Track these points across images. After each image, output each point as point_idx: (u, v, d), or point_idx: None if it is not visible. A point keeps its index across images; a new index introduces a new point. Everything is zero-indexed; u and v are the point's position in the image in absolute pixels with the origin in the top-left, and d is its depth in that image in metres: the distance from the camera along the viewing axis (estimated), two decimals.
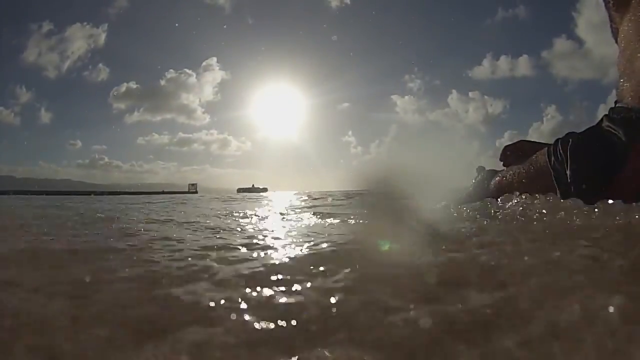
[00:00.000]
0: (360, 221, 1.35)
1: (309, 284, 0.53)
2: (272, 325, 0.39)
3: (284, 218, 1.79)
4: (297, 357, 0.33)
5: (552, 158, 1.29)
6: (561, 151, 1.27)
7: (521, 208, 1.17)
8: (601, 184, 1.19)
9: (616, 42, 1.37)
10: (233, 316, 0.42)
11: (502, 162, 1.64)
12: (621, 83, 1.29)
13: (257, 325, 0.39)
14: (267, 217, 1.85)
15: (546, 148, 1.34)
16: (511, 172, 1.47)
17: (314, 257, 0.71)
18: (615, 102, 1.31)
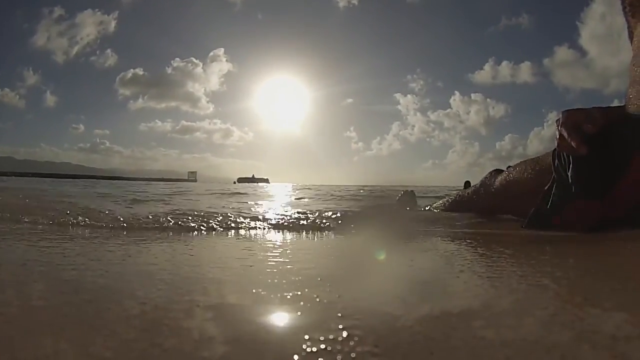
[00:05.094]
0: None
1: None
2: None
3: None
4: None
5: (556, 161, 1.30)
6: (565, 155, 1.27)
7: None
8: (602, 189, 1.20)
9: None
10: None
11: None
12: (630, 90, 1.28)
13: None
14: None
15: (552, 151, 1.34)
16: (517, 169, 1.53)
17: None
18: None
